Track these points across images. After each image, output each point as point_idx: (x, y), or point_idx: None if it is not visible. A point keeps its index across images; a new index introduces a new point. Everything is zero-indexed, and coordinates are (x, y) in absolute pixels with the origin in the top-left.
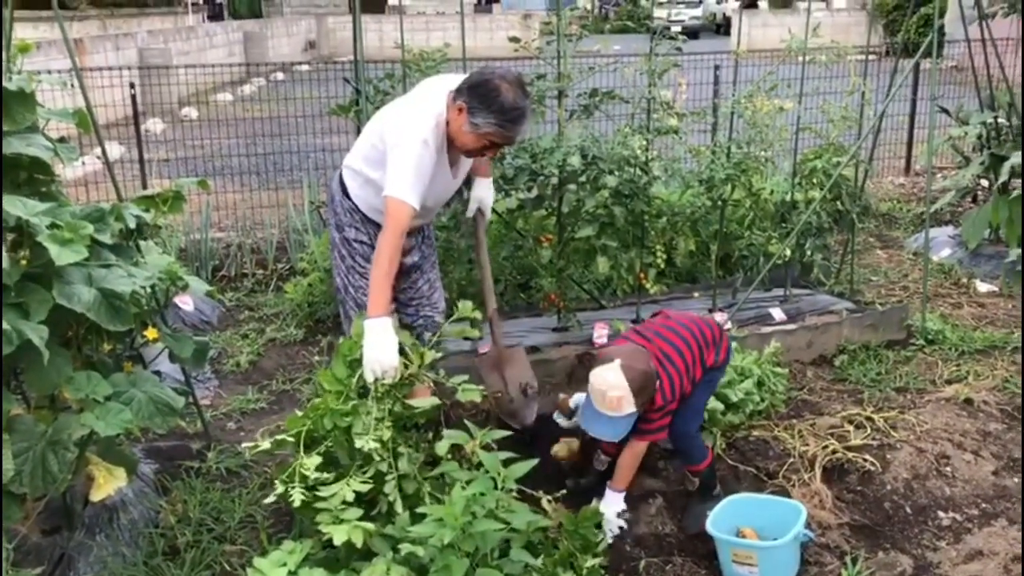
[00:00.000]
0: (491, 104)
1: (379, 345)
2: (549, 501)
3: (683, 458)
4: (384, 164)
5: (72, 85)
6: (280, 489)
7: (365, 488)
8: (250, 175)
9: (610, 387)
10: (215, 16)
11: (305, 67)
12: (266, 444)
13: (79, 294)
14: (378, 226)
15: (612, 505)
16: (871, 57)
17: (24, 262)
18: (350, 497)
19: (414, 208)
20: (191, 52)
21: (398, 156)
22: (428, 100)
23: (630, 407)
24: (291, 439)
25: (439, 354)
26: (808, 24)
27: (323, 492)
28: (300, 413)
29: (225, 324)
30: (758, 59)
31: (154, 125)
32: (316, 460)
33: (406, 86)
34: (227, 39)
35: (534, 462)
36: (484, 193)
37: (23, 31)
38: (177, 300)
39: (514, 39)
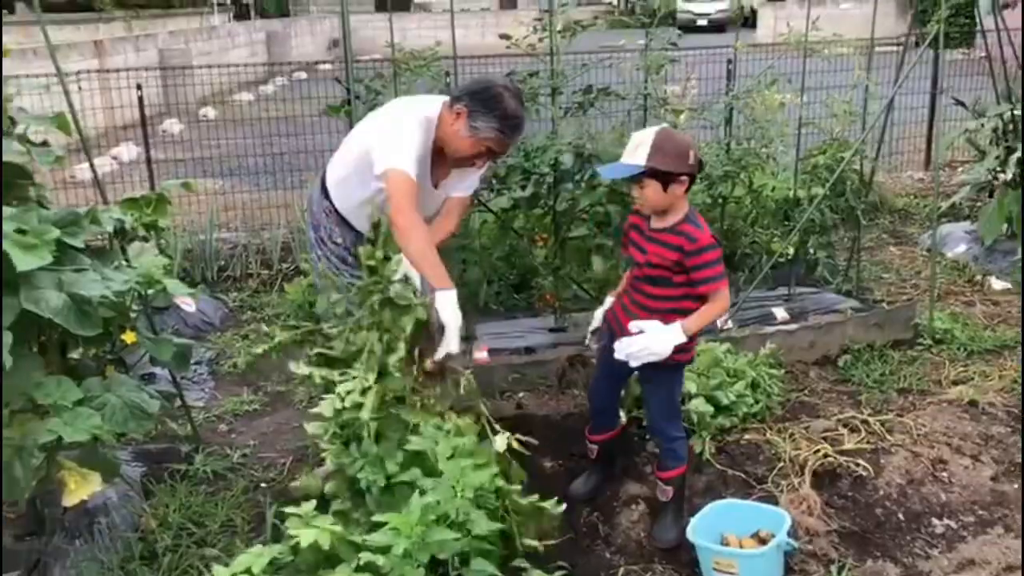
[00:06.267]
0: (494, 109)
1: (458, 317)
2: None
3: (658, 460)
4: (358, 164)
5: (49, 88)
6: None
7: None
8: (264, 175)
9: (641, 136)
10: (241, 16)
11: (327, 66)
12: (259, 350)
13: (47, 299)
14: (353, 230)
15: (672, 333)
16: (898, 48)
17: None
18: None
19: (411, 178)
20: (212, 52)
21: (389, 129)
22: (419, 102)
23: (641, 158)
24: (287, 340)
25: None
26: (808, 18)
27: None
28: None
29: (227, 325)
30: (776, 53)
31: (172, 125)
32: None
33: (396, 86)
34: (249, 39)
35: (495, 470)
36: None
37: (49, 34)
38: (179, 301)
39: (505, 36)
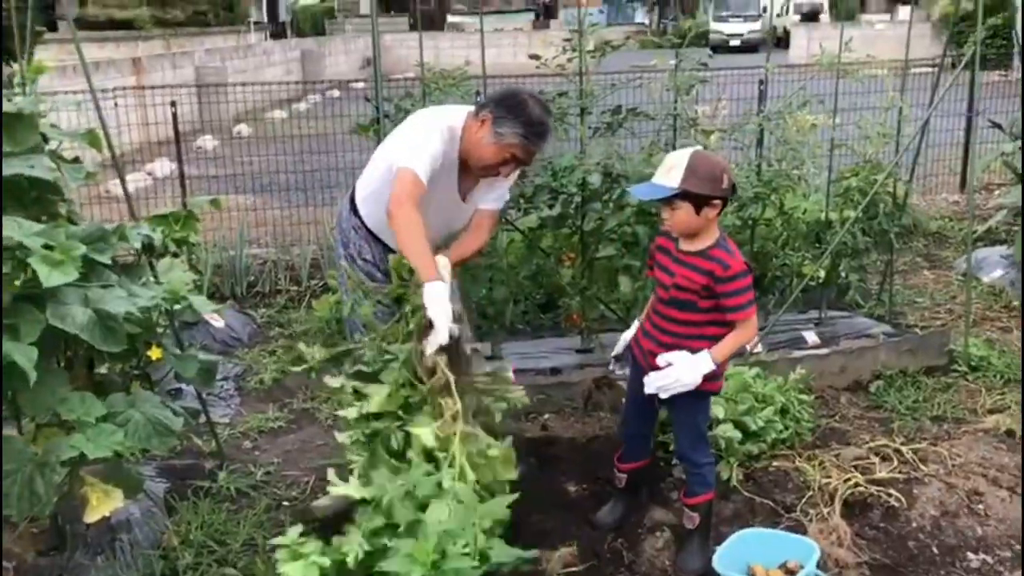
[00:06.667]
0: (519, 114)
1: (446, 309)
2: None
3: (685, 486)
4: (385, 178)
5: (77, 104)
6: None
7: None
8: (295, 191)
9: (675, 158)
10: (278, 35)
11: (360, 84)
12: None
13: (73, 315)
14: (382, 245)
15: (700, 361)
16: (932, 70)
17: (16, 283)
18: None
19: (424, 184)
20: (248, 70)
21: (413, 136)
22: (444, 111)
23: (675, 180)
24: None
25: None
26: (840, 39)
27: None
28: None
29: (255, 341)
30: (808, 73)
31: (206, 142)
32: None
33: (425, 104)
34: (284, 57)
35: (513, 497)
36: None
37: (88, 51)
38: (207, 317)
39: (534, 56)
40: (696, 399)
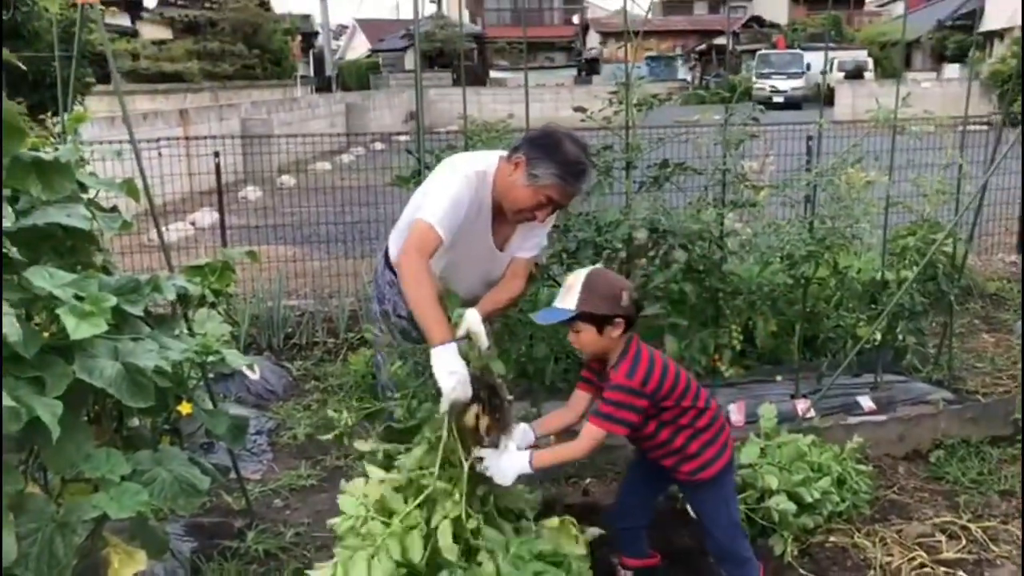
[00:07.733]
0: (554, 155)
1: (455, 373)
2: None
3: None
4: None
5: (117, 153)
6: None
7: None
8: (336, 243)
9: (573, 279)
10: (324, 89)
11: (404, 137)
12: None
13: (102, 368)
14: None
15: (517, 461)
16: (982, 127)
17: (45, 334)
18: None
19: (439, 236)
20: (293, 123)
21: (435, 186)
22: (475, 157)
23: (572, 302)
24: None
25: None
26: (897, 95)
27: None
28: None
29: (289, 394)
30: (859, 130)
31: (250, 192)
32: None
33: None
34: (329, 110)
35: None
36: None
37: (138, 103)
38: (243, 368)
39: (580, 109)
40: (712, 487)
